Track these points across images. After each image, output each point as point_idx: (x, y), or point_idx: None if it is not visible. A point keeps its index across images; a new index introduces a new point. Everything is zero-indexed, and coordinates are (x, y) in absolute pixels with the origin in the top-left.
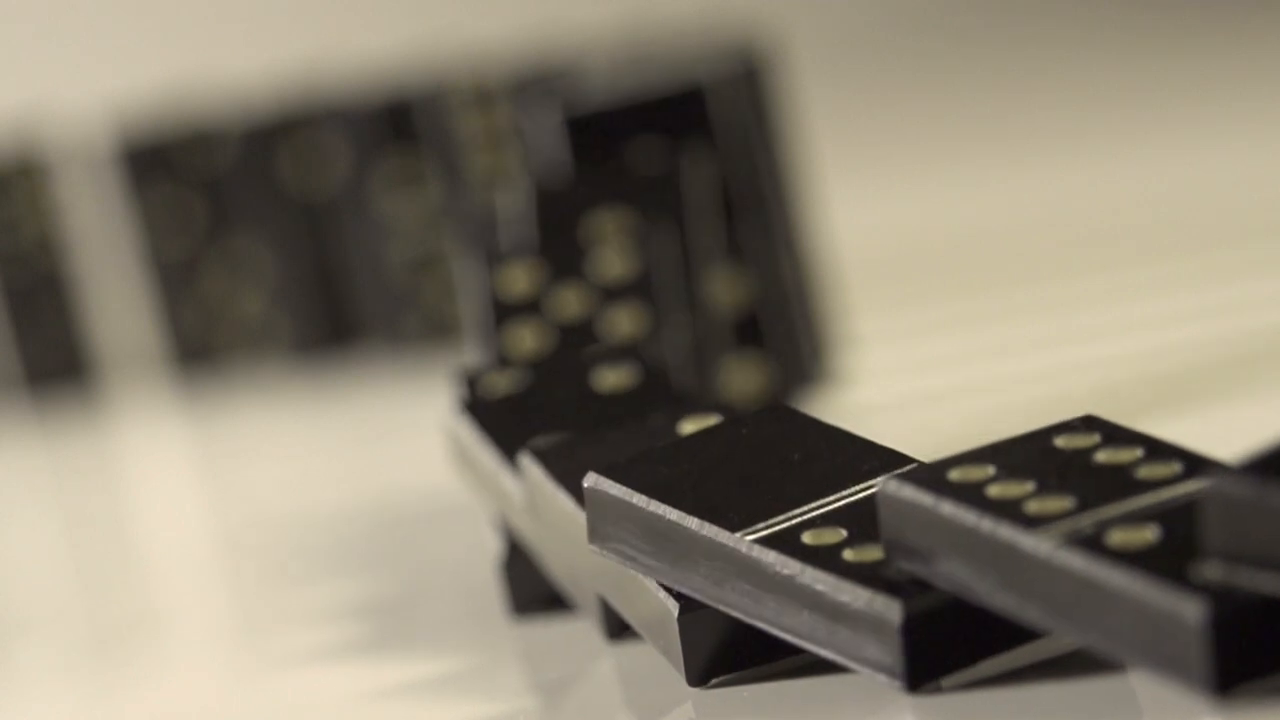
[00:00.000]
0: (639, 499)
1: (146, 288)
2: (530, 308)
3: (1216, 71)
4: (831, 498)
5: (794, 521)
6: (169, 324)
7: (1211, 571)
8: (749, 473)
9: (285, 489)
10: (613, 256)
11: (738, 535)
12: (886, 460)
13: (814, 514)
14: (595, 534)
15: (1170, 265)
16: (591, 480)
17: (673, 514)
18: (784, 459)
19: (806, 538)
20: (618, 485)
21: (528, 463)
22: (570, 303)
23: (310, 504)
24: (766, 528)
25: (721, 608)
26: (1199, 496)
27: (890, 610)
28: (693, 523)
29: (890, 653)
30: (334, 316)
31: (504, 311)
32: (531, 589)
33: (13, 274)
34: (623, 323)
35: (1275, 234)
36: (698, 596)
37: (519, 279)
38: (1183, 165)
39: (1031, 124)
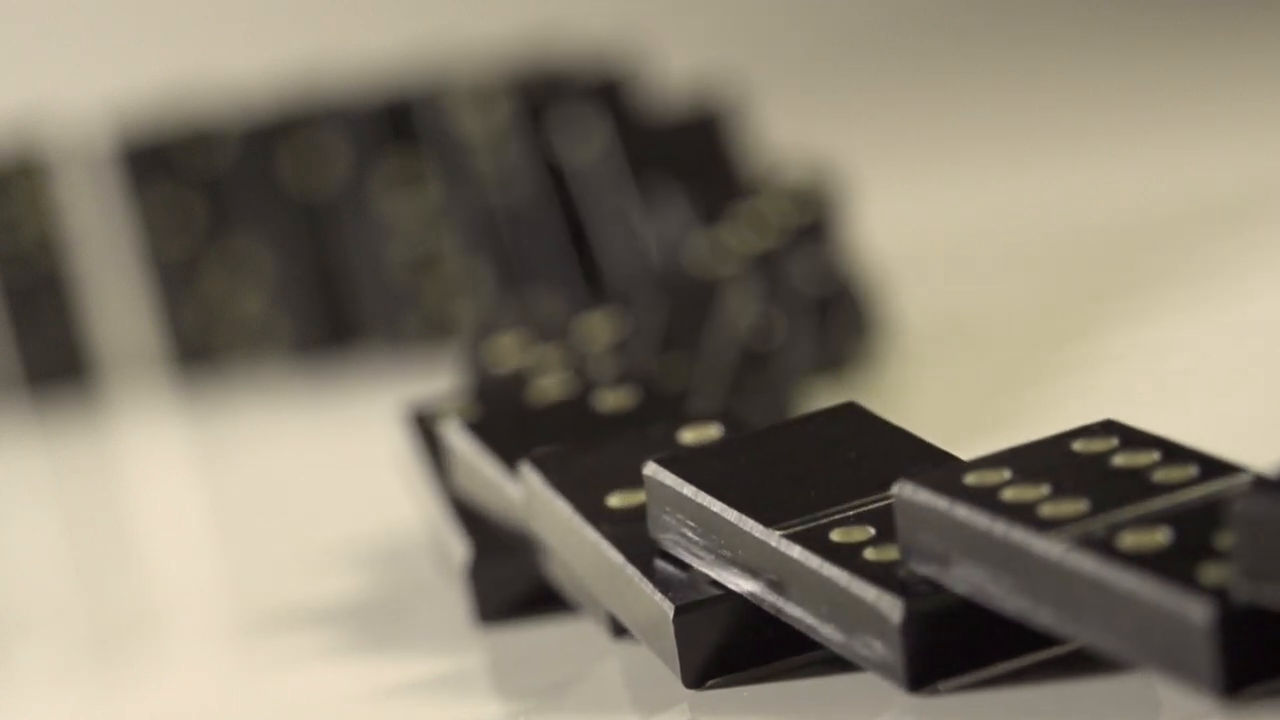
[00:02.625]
0: (688, 489)
1: (146, 288)
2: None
3: (1216, 71)
4: (874, 497)
5: (829, 519)
6: (169, 324)
7: (1238, 588)
8: (804, 469)
9: (285, 489)
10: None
11: (770, 530)
12: (940, 463)
13: (851, 512)
14: (654, 523)
15: (1172, 262)
16: (651, 470)
17: (715, 505)
18: (841, 457)
19: (835, 535)
20: (671, 475)
21: (527, 470)
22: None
23: (310, 504)
24: (801, 524)
25: (757, 603)
26: (1226, 512)
27: (893, 609)
28: (732, 515)
29: (891, 651)
30: (334, 316)
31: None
32: (499, 597)
33: (13, 274)
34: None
35: (1273, 230)
36: (738, 590)
37: (510, 351)
38: (1183, 165)
39: (1032, 124)
